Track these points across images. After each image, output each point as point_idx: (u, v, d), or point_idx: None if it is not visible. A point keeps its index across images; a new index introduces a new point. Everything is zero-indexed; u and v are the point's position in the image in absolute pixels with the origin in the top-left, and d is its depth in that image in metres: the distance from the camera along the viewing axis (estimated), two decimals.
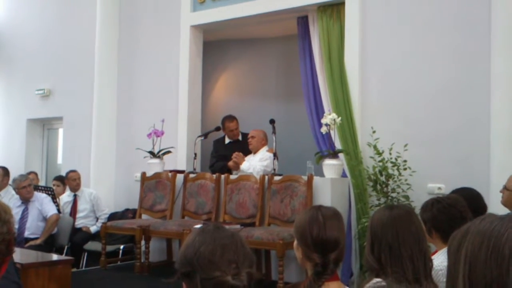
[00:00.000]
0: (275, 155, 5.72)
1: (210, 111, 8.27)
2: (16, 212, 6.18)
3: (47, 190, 6.84)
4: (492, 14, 4.71)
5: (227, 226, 1.79)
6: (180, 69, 6.97)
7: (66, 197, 7.03)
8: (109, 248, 6.18)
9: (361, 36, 5.53)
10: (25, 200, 6.20)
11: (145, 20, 7.49)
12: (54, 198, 6.72)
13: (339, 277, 2.16)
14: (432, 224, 2.71)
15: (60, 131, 8.93)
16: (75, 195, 6.97)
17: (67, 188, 7.19)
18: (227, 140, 6.72)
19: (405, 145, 4.90)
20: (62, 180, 7.41)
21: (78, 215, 6.86)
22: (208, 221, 5.53)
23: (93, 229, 6.81)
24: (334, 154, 5.24)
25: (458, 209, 2.71)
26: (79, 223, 6.80)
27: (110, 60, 7.64)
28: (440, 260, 2.56)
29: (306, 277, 2.17)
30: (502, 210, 3.59)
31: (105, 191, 7.30)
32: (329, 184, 5.09)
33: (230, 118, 6.69)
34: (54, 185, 7.45)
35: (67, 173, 7.09)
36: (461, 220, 2.56)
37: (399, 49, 5.36)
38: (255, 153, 6.15)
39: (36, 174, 8.07)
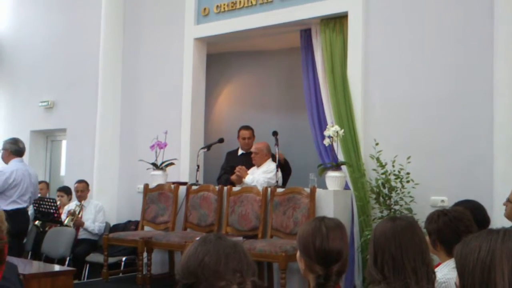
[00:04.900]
0: (277, 166, 5.71)
1: (213, 123, 8.29)
2: None
3: (50, 201, 6.84)
4: (495, 25, 4.73)
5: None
6: (184, 81, 6.99)
7: (72, 206, 7.04)
8: (111, 259, 6.17)
9: (363, 48, 5.55)
10: None
11: (149, 33, 7.53)
12: (58, 209, 6.73)
13: None
14: (437, 236, 2.69)
15: (64, 143, 8.94)
16: (81, 205, 6.98)
17: (73, 197, 7.22)
18: (240, 152, 6.64)
19: (408, 158, 4.89)
20: (65, 191, 7.42)
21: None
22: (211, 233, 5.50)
23: (87, 224, 6.81)
24: (337, 167, 5.23)
25: (464, 222, 2.68)
26: (82, 233, 6.80)
27: (113, 72, 7.66)
28: (443, 272, 2.55)
29: None
30: (505, 223, 3.57)
31: (107, 203, 7.30)
32: (332, 196, 5.08)
33: (246, 126, 6.66)
34: (58, 196, 7.46)
35: (75, 183, 7.16)
36: (466, 234, 2.54)
37: (401, 62, 5.38)
38: (258, 166, 6.14)
39: (47, 183, 8.08)
